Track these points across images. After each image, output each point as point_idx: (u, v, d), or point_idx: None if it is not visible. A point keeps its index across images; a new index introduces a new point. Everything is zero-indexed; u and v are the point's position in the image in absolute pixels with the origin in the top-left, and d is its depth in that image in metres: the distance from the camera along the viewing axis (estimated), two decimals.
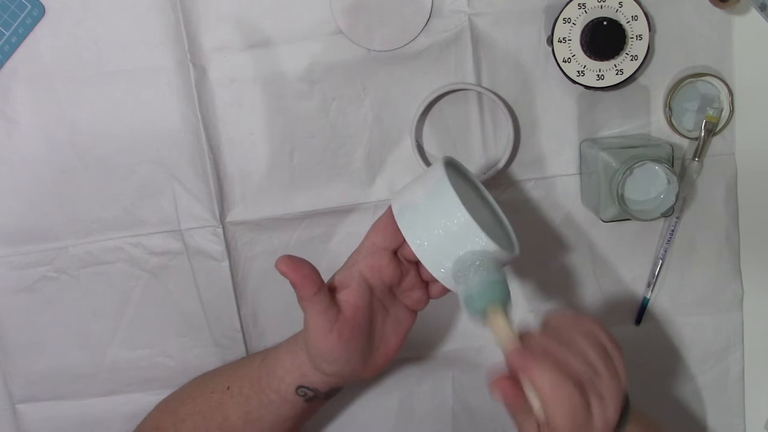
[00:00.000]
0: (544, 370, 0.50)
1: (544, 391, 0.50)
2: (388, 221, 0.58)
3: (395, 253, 0.60)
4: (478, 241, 0.54)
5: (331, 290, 0.60)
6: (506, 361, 0.53)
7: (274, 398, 0.64)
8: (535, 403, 0.51)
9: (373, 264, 0.59)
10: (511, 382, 0.52)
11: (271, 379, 0.64)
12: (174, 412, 0.69)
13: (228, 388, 0.67)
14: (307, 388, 0.63)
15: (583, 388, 0.51)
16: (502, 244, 0.55)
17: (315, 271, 0.58)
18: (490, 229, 0.56)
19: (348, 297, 0.59)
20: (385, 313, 0.62)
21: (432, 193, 0.56)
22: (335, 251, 0.74)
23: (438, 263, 0.55)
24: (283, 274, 0.58)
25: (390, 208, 0.58)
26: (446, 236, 0.54)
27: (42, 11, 0.69)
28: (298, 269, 0.57)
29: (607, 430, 0.52)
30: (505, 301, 0.54)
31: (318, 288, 0.58)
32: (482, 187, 0.63)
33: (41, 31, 0.70)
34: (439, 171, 0.57)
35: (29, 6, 0.69)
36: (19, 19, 0.69)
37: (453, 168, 0.60)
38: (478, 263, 0.53)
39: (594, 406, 0.51)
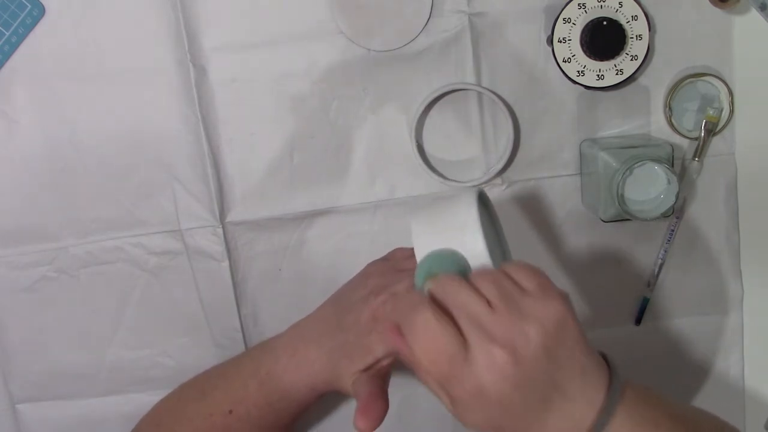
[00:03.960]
0: (406, 300, 0.49)
1: (402, 322, 0.48)
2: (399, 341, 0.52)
3: None
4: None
5: (376, 366, 0.59)
6: None
7: (293, 411, 0.66)
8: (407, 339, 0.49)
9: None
10: (395, 329, 0.49)
11: (285, 404, 0.65)
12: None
13: (230, 412, 0.66)
14: (325, 391, 0.64)
15: (455, 323, 0.47)
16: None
17: (384, 405, 0.56)
18: (498, 257, 0.55)
19: (392, 363, 0.60)
20: None
21: (463, 237, 0.53)
22: (335, 251, 0.74)
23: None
24: None
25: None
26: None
27: (42, 11, 0.69)
28: (378, 420, 0.55)
29: (497, 381, 0.46)
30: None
31: (387, 405, 0.57)
32: (497, 221, 0.61)
33: (41, 31, 0.70)
34: (472, 207, 0.53)
35: (29, 6, 0.69)
36: (19, 19, 0.69)
37: (481, 200, 0.58)
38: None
39: (475, 351, 0.46)
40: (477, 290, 0.48)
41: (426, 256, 0.53)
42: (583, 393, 0.49)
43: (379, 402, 0.56)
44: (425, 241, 0.53)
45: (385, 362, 0.59)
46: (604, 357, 0.52)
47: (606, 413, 0.48)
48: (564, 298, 0.49)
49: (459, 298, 0.48)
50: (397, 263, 0.63)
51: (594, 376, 0.50)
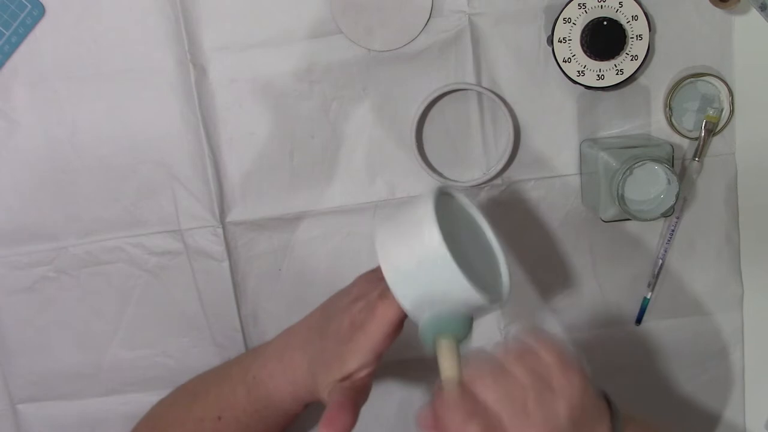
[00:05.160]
0: (454, 409, 0.49)
1: (451, 430, 0.49)
2: (393, 313, 0.55)
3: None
4: (459, 284, 0.51)
5: (352, 377, 0.58)
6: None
7: (279, 420, 0.65)
8: None
9: (389, 344, 0.58)
10: (435, 419, 0.50)
11: (270, 412, 0.65)
12: None
13: (219, 418, 0.66)
14: (308, 400, 0.64)
15: (498, 425, 0.49)
16: (485, 283, 0.53)
17: (353, 414, 0.56)
18: (477, 266, 0.54)
19: (371, 374, 0.59)
20: None
21: (416, 236, 0.52)
22: (335, 251, 0.74)
23: (412, 299, 0.53)
24: None
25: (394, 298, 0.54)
26: (422, 271, 0.52)
27: (42, 11, 0.69)
28: (343, 430, 0.55)
29: None
30: (459, 336, 0.52)
31: (357, 414, 0.57)
32: (481, 219, 0.59)
33: (41, 31, 0.70)
34: (427, 205, 0.53)
35: (29, 6, 0.69)
36: (19, 19, 0.69)
37: (447, 198, 0.57)
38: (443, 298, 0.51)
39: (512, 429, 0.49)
40: (509, 376, 0.50)
41: (430, 314, 0.52)
42: None
43: (345, 413, 0.55)
44: (385, 240, 0.53)
45: (362, 374, 0.58)
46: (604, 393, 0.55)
47: None
48: (581, 366, 0.52)
49: (498, 392, 0.50)
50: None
51: (602, 420, 0.53)
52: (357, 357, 0.57)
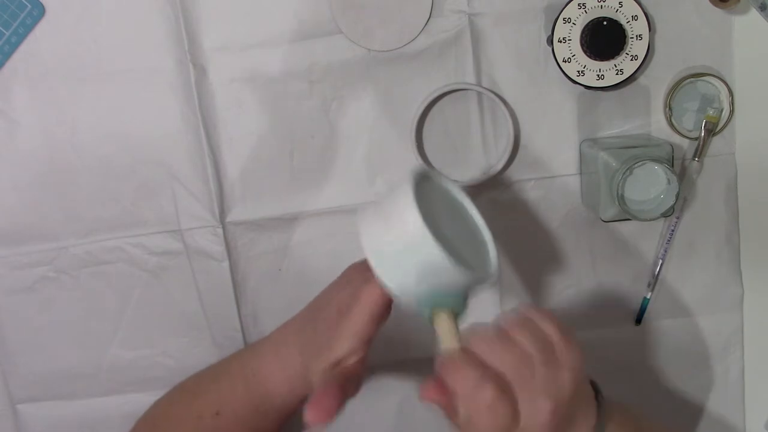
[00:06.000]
0: (464, 373, 0.49)
1: (463, 395, 0.49)
2: (381, 299, 0.55)
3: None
4: (441, 263, 0.50)
5: (340, 363, 0.58)
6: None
7: (278, 415, 0.65)
8: (460, 407, 0.50)
9: (376, 329, 0.58)
10: (439, 388, 0.50)
11: (269, 406, 0.64)
12: None
13: (218, 413, 0.66)
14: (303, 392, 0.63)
15: (508, 389, 0.49)
16: (472, 262, 0.53)
17: (339, 396, 0.55)
18: (463, 246, 0.53)
19: (360, 362, 0.58)
20: None
21: (396, 218, 0.52)
22: (335, 251, 0.74)
23: (398, 282, 0.52)
24: (313, 424, 0.55)
25: (377, 276, 0.54)
26: (405, 252, 0.51)
27: (42, 11, 0.69)
28: (329, 412, 0.55)
29: (541, 429, 0.50)
30: (455, 310, 0.52)
31: (343, 399, 0.56)
32: (465, 200, 0.59)
33: (41, 31, 0.70)
34: (406, 187, 0.53)
35: (29, 6, 0.69)
36: (19, 19, 0.69)
37: (428, 181, 0.57)
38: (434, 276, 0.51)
39: (523, 407, 0.49)
40: (514, 343, 0.50)
41: (426, 288, 0.52)
42: (585, 417, 0.54)
43: (330, 397, 0.55)
44: (367, 225, 0.53)
45: (351, 360, 0.58)
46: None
47: (600, 429, 0.54)
48: (577, 342, 0.52)
49: (505, 357, 0.50)
50: None
51: (589, 398, 0.55)
52: (344, 343, 0.57)
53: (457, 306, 0.52)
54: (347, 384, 0.56)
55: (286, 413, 0.66)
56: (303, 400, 0.64)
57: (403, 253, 0.51)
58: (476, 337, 0.51)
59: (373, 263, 0.52)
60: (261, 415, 0.65)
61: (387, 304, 0.56)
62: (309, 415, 0.53)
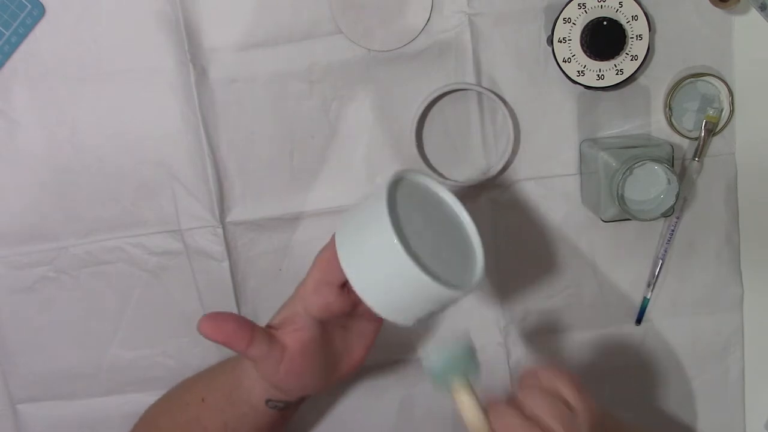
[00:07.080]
0: None
1: None
2: (331, 256, 0.54)
3: (344, 285, 0.57)
4: (422, 284, 0.50)
5: (273, 328, 0.58)
6: None
7: (247, 410, 0.63)
8: None
9: (320, 302, 0.57)
10: None
11: (241, 392, 0.63)
12: (156, 426, 0.69)
13: (203, 400, 0.66)
14: (276, 401, 0.62)
15: None
16: (456, 273, 0.53)
17: (241, 323, 0.56)
18: (447, 254, 0.53)
19: (294, 335, 0.58)
20: (344, 331, 0.61)
21: (370, 228, 0.52)
22: None
23: (384, 304, 0.52)
24: (206, 337, 0.56)
25: (334, 237, 0.55)
26: (387, 276, 0.51)
27: (42, 11, 0.69)
28: (221, 329, 0.56)
29: None
30: (468, 373, 0.52)
31: (249, 340, 0.56)
32: (450, 198, 0.58)
33: (41, 31, 0.70)
34: (380, 198, 0.52)
35: (29, 6, 0.69)
36: (19, 19, 0.69)
37: (408, 184, 0.56)
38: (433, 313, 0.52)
39: None
40: (537, 424, 0.50)
41: (434, 358, 0.52)
42: None
43: (230, 320, 0.56)
44: (344, 241, 0.54)
45: (287, 328, 0.58)
46: None
47: None
48: (591, 396, 0.52)
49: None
50: None
51: None
52: (287, 308, 0.59)
53: (471, 366, 0.52)
54: (263, 336, 0.56)
55: (262, 412, 0.63)
56: (281, 409, 0.63)
57: (386, 277, 0.51)
58: (501, 422, 0.50)
59: (352, 280, 0.52)
60: (231, 405, 0.64)
61: (336, 272, 0.54)
62: (200, 322, 0.56)
